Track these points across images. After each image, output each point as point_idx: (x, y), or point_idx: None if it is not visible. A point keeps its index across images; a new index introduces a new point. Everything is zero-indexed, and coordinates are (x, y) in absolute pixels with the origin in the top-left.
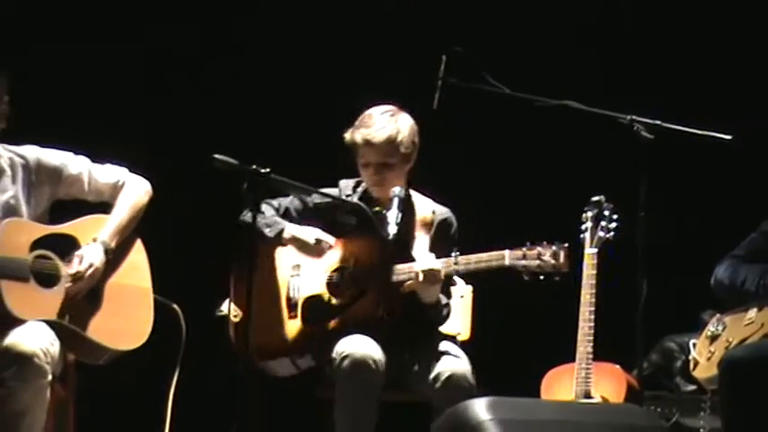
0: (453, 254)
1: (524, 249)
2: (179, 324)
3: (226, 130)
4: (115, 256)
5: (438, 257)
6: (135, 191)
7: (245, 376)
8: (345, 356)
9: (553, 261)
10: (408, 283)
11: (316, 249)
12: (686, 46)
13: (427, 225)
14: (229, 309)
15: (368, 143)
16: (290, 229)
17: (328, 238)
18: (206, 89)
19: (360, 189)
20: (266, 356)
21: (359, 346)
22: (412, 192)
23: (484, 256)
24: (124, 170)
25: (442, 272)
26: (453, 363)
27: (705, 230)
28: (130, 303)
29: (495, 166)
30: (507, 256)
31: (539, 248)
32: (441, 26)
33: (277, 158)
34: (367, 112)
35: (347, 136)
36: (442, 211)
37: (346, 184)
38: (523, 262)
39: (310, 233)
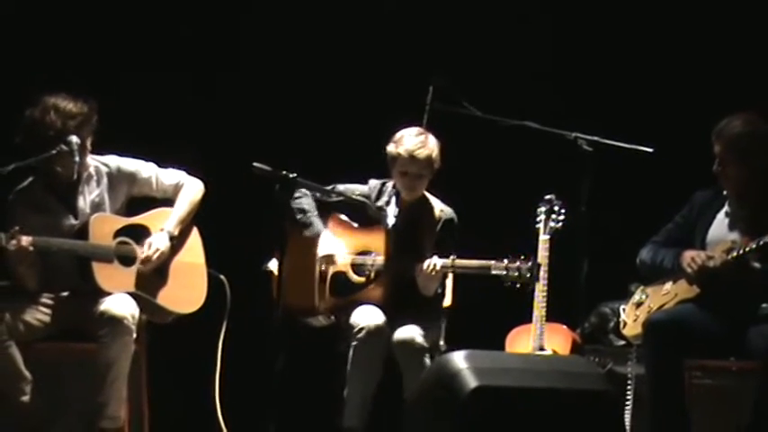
0: (452, 257)
1: (507, 262)
2: (225, 290)
3: (265, 140)
4: (177, 241)
5: (441, 253)
6: (192, 190)
7: (280, 325)
8: (362, 327)
9: (528, 275)
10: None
11: (328, 261)
12: (617, 77)
13: (436, 221)
14: (279, 276)
15: (412, 158)
16: (322, 238)
17: (341, 258)
18: (249, 111)
19: (386, 188)
20: (299, 314)
21: (371, 319)
22: (426, 194)
23: (475, 263)
24: (183, 173)
25: (440, 271)
26: (408, 332)
27: (632, 221)
28: (189, 277)
29: (471, 172)
30: (493, 267)
31: (519, 263)
32: (432, 59)
33: (307, 163)
34: (404, 132)
35: (391, 149)
36: (448, 212)
37: (375, 183)
38: (505, 273)
39: (331, 247)
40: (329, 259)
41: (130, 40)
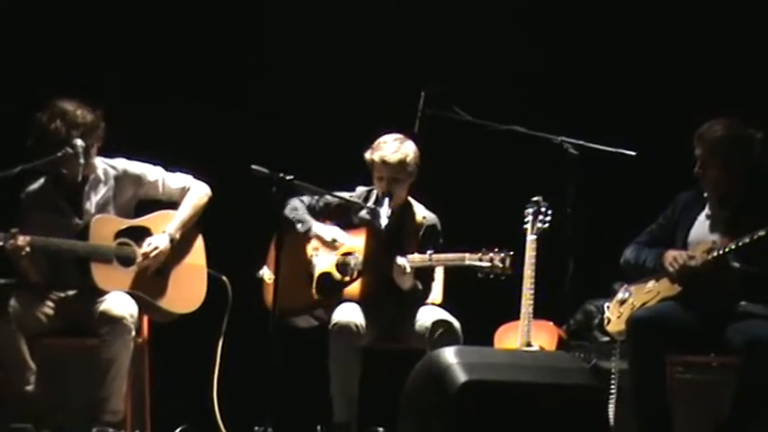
0: (428, 252)
1: (480, 254)
2: (226, 290)
3: (264, 146)
4: (179, 243)
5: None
6: (197, 194)
7: (272, 327)
8: (335, 323)
9: (501, 265)
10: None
11: (331, 246)
12: (602, 83)
13: (418, 227)
14: (276, 272)
15: (384, 163)
16: (315, 229)
17: (341, 238)
18: (252, 118)
19: (372, 195)
20: (289, 314)
21: (344, 315)
22: (410, 199)
23: (450, 256)
24: (190, 177)
25: (408, 269)
26: (447, 322)
27: (616, 222)
28: (189, 278)
29: (462, 174)
30: (467, 258)
31: (491, 254)
32: (424, 68)
33: (304, 167)
34: (382, 138)
35: (367, 156)
36: (431, 218)
37: (361, 190)
38: (479, 263)
39: (330, 233)
40: (332, 244)
41: (134, 48)
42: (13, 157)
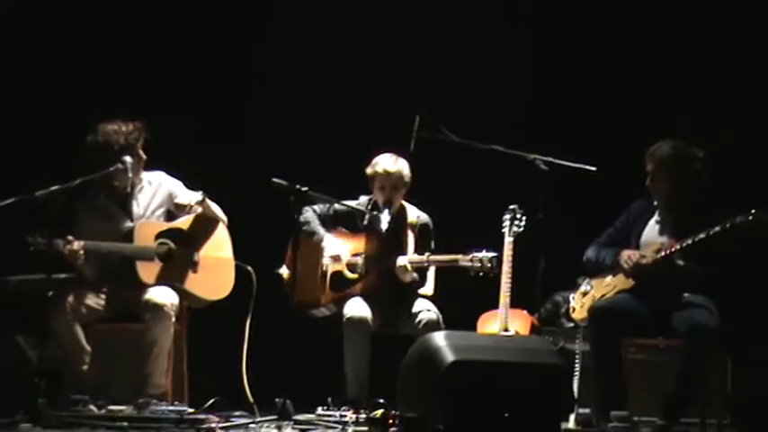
0: (426, 254)
1: (471, 256)
2: (251, 280)
3: (282, 163)
4: (210, 239)
5: (419, 251)
6: (218, 210)
7: (291, 316)
8: (348, 317)
9: (489, 266)
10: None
11: (335, 258)
12: (570, 111)
13: (413, 226)
14: (293, 270)
15: (387, 174)
16: (325, 241)
17: (344, 253)
18: (273, 139)
19: (372, 202)
20: (306, 307)
21: (355, 310)
22: (404, 203)
23: (446, 257)
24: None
25: (409, 268)
26: (430, 314)
27: (580, 226)
28: (219, 269)
29: (450, 186)
30: (460, 259)
31: (481, 256)
32: (418, 96)
33: (316, 179)
34: (380, 157)
35: (368, 170)
36: (424, 217)
37: (365, 199)
38: (470, 264)
39: (335, 248)
40: (337, 257)
41: (162, 77)
42: (71, 170)
